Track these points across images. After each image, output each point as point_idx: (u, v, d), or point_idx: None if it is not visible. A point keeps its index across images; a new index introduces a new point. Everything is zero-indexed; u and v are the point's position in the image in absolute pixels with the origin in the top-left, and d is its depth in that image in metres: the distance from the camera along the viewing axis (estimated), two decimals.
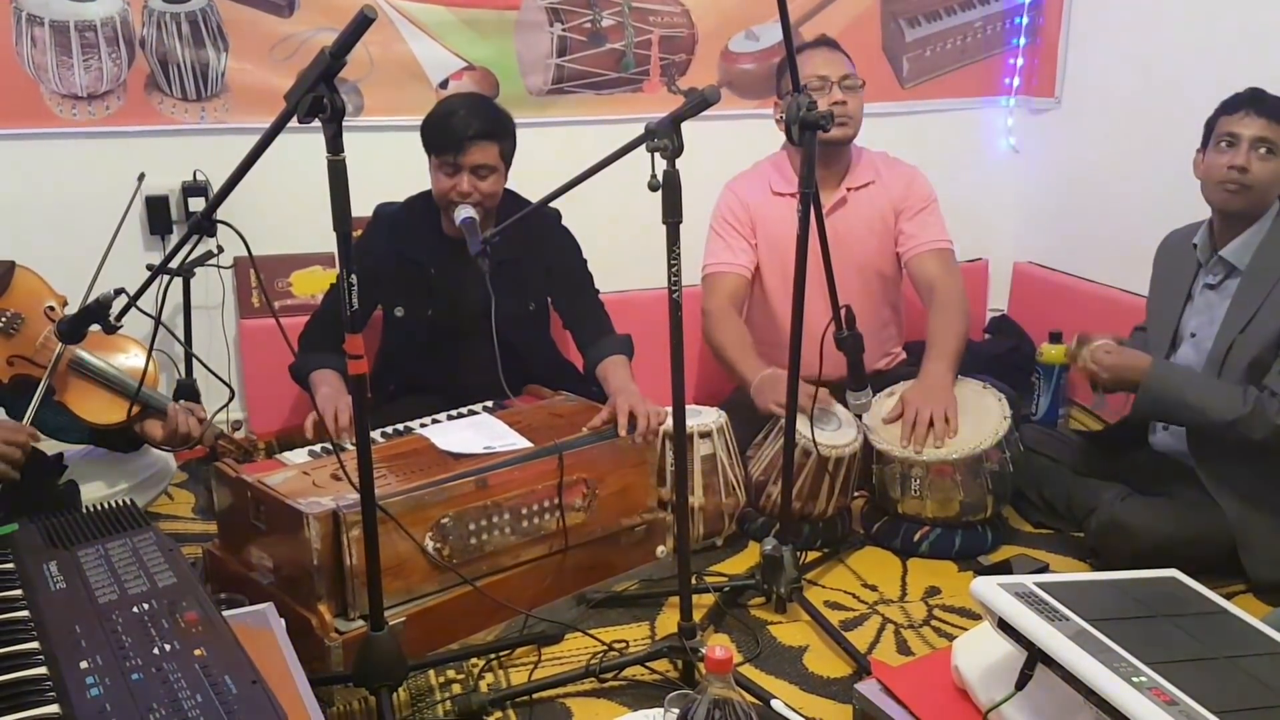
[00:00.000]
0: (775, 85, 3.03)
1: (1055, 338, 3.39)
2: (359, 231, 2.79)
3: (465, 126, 2.59)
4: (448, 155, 2.61)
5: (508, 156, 2.69)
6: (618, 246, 3.28)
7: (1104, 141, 3.65)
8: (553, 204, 2.31)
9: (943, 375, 2.73)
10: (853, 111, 2.88)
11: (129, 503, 1.99)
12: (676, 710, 1.50)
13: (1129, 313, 3.07)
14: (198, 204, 3.15)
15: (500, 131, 2.65)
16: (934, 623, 2.39)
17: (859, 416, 2.68)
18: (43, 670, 1.48)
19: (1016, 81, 3.91)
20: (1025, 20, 3.85)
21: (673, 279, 1.92)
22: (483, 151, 2.61)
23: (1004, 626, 1.65)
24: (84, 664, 1.46)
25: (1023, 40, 3.87)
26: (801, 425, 2.47)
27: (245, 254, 1.81)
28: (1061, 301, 3.77)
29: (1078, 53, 3.74)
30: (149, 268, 2.00)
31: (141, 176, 3.05)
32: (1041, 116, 3.89)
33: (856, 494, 2.82)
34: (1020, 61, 3.89)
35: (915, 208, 3.00)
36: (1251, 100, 2.46)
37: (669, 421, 2.41)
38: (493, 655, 2.23)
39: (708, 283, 3.03)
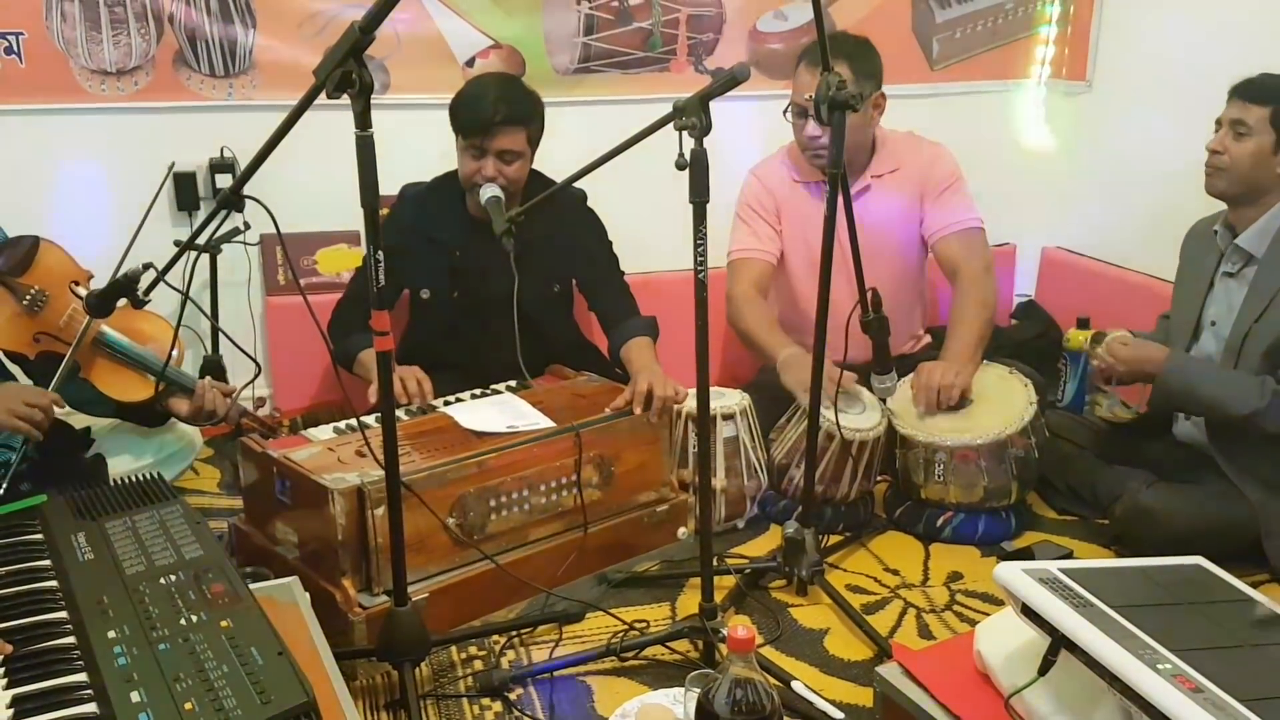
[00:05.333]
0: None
1: (1083, 324, 3.36)
2: (385, 211, 2.79)
3: (493, 112, 2.57)
4: (474, 139, 2.60)
5: (535, 140, 2.68)
6: (643, 227, 3.27)
7: (1135, 126, 3.60)
8: (578, 184, 2.30)
9: (961, 354, 2.72)
10: (823, 141, 2.76)
11: (156, 476, 2.01)
12: (698, 690, 1.51)
13: (1158, 299, 3.04)
14: (225, 181, 3.16)
15: (528, 116, 2.63)
16: (956, 608, 2.38)
17: (883, 400, 2.67)
18: (71, 639, 1.51)
19: (1047, 64, 3.87)
20: (1057, 2, 3.80)
21: (699, 259, 1.91)
22: (510, 137, 2.60)
23: (1028, 612, 1.64)
24: (111, 633, 1.48)
25: (1054, 23, 3.82)
26: (825, 408, 2.46)
27: (271, 231, 1.81)
28: (1089, 287, 3.74)
29: (1110, 36, 3.69)
30: (176, 243, 2.01)
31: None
32: (1072, 100, 3.84)
33: (879, 478, 2.81)
34: (1051, 44, 3.84)
35: (939, 188, 2.97)
36: (1242, 86, 2.48)
37: (692, 403, 2.41)
38: (514, 632, 2.24)
39: (733, 268, 3.02)
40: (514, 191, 2.66)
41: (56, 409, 2.25)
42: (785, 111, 2.83)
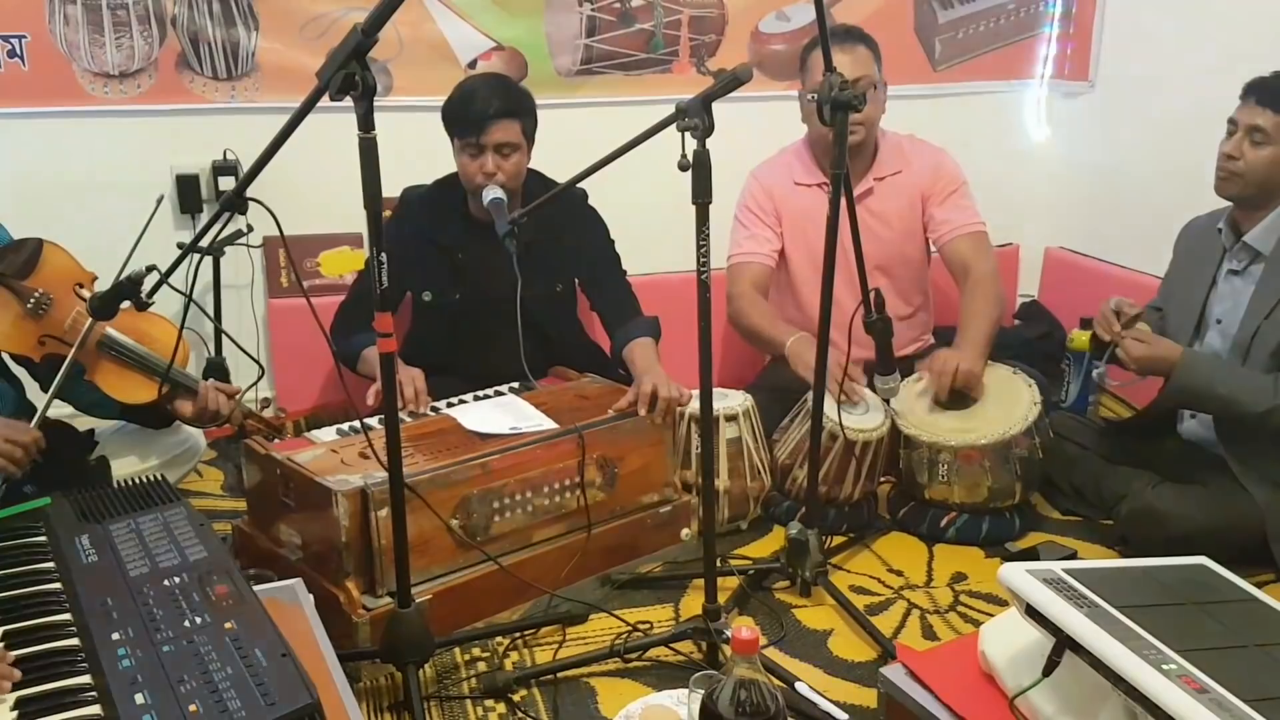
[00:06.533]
0: (800, 73, 2.97)
1: (1086, 324, 3.35)
2: (388, 213, 2.79)
3: (486, 106, 2.58)
4: (470, 137, 2.61)
5: (530, 134, 2.68)
6: (646, 228, 3.27)
7: (1137, 126, 3.60)
8: (580, 185, 2.30)
9: (975, 346, 2.72)
10: (860, 119, 2.76)
11: (160, 478, 2.01)
12: (702, 691, 1.50)
13: None
14: (227, 183, 3.17)
15: (521, 109, 2.64)
16: (960, 608, 2.38)
17: (887, 401, 2.67)
18: (75, 641, 1.51)
19: (1050, 65, 3.87)
20: (1059, 3, 3.80)
21: (701, 260, 1.91)
22: (505, 129, 2.60)
23: (1032, 613, 1.64)
24: (115, 635, 1.48)
25: (1056, 23, 3.82)
26: (829, 409, 2.46)
27: (274, 234, 1.82)
28: (1093, 288, 3.72)
29: (1112, 36, 3.69)
30: (179, 246, 2.01)
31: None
32: (1074, 100, 3.84)
33: (883, 479, 2.81)
34: (1054, 45, 3.84)
35: (944, 192, 2.97)
36: (1257, 87, 2.43)
37: (695, 404, 2.41)
38: (518, 634, 2.24)
39: (733, 271, 3.03)
40: (514, 189, 2.66)
41: (36, 446, 2.23)
42: (811, 98, 2.81)
